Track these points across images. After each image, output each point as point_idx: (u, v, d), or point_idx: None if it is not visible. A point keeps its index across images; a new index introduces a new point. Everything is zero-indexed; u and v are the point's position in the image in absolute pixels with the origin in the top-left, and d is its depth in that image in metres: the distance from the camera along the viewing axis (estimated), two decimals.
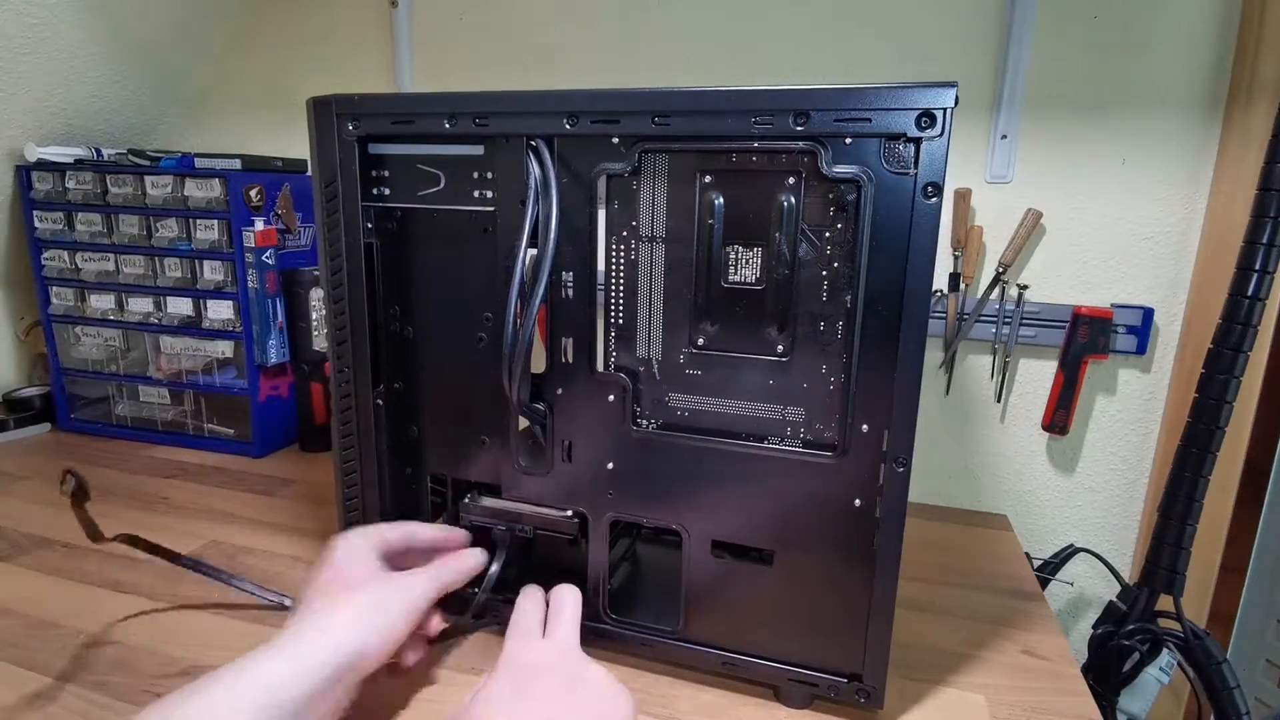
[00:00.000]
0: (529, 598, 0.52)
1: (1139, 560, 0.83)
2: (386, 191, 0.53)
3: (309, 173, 0.54)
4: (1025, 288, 0.81)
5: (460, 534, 0.56)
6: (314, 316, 0.89)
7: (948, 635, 0.59)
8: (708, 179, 0.46)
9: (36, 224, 0.92)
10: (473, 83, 0.89)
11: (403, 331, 0.56)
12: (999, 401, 0.85)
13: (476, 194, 0.51)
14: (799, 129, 0.42)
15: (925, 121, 0.40)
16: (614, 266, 0.49)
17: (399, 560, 0.52)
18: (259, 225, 0.85)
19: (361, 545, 0.50)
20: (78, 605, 0.59)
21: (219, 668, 0.39)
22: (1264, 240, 0.58)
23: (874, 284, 0.43)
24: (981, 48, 0.79)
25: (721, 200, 0.46)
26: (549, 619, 0.50)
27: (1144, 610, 0.68)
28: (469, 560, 0.53)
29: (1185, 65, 0.74)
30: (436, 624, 0.52)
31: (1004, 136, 0.80)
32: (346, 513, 0.58)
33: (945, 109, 0.39)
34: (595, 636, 0.53)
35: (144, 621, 0.58)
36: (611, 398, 0.50)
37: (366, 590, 0.46)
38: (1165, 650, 0.68)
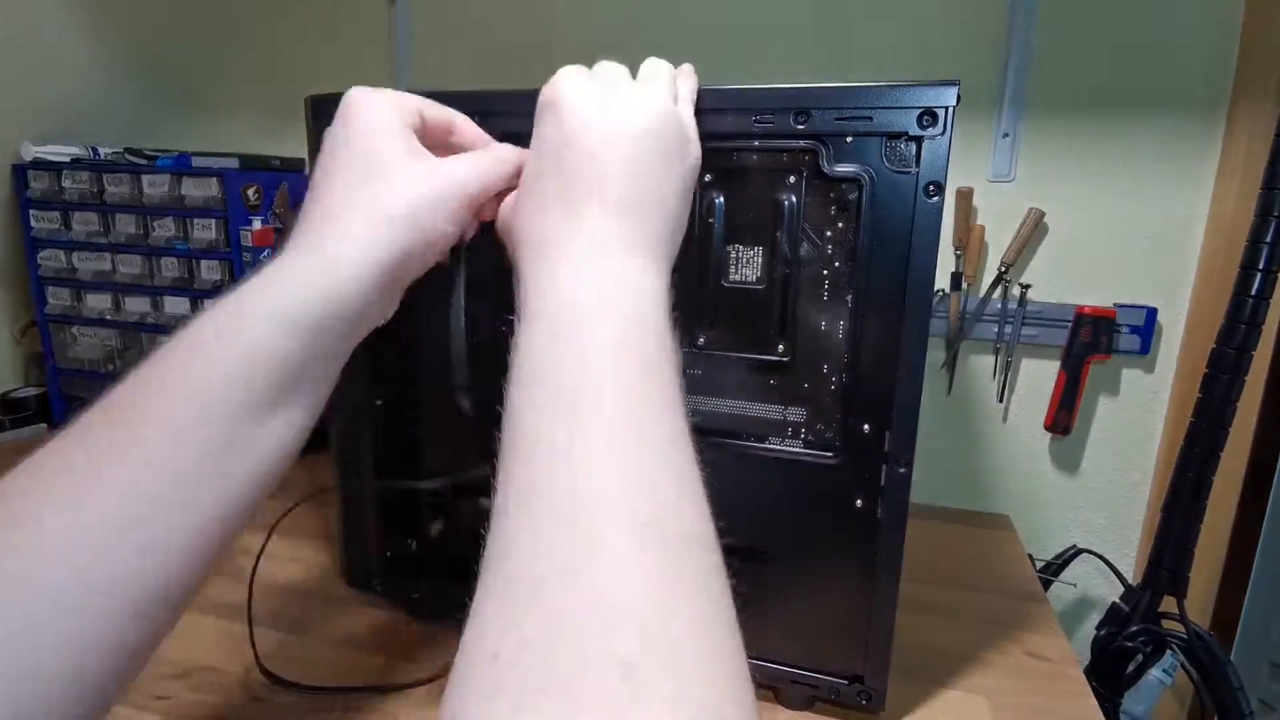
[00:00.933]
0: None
1: (1142, 561, 0.83)
2: None
3: (306, 172, 0.54)
4: (1028, 287, 0.81)
5: (505, 147, 0.41)
6: None
7: (949, 636, 0.59)
8: (708, 178, 0.45)
9: (32, 223, 0.91)
10: (473, 82, 0.88)
11: (398, 330, 0.55)
12: (1001, 401, 0.85)
13: None
14: (800, 127, 0.42)
15: (927, 120, 0.39)
16: None
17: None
18: (256, 224, 0.85)
19: (391, 120, 0.37)
20: None
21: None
22: (1268, 239, 0.58)
23: (875, 283, 0.42)
24: (984, 46, 0.79)
25: (722, 199, 0.45)
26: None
27: (1147, 611, 0.68)
28: (512, 157, 0.39)
29: (1188, 64, 0.74)
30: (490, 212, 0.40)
31: (1006, 135, 0.79)
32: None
33: (947, 107, 0.39)
34: None
35: None
36: None
37: (393, 183, 0.35)
38: (1168, 652, 0.68)
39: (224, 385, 0.30)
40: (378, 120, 0.36)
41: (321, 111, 0.50)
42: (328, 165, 0.36)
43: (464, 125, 0.41)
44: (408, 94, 0.39)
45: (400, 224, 0.34)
